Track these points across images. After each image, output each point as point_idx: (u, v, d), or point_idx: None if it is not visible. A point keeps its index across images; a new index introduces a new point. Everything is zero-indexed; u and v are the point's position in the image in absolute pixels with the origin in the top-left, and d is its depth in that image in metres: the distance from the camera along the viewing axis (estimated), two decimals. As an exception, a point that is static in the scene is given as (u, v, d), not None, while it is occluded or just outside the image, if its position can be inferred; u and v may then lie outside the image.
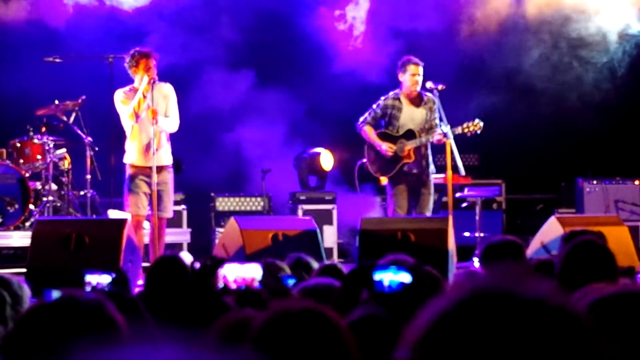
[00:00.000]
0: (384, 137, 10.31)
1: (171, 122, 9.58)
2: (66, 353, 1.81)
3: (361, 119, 10.38)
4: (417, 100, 10.26)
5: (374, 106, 10.35)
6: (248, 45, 12.71)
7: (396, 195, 10.20)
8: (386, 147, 10.22)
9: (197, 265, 3.93)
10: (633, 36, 12.43)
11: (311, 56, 12.81)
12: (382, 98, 10.34)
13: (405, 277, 3.26)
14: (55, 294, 2.51)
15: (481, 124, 10.11)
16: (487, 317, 1.35)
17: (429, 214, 10.15)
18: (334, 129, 12.59)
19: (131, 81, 9.55)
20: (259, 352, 2.24)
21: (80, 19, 12.43)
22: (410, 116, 10.24)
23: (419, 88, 10.20)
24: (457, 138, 10.04)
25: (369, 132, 10.33)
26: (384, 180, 10.64)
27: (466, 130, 10.13)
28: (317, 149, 12.48)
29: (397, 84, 10.36)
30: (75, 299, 2.37)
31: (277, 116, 12.60)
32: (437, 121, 10.19)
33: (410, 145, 10.18)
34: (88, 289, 4.13)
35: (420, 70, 10.18)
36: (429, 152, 10.31)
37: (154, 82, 9.42)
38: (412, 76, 10.16)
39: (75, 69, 11.74)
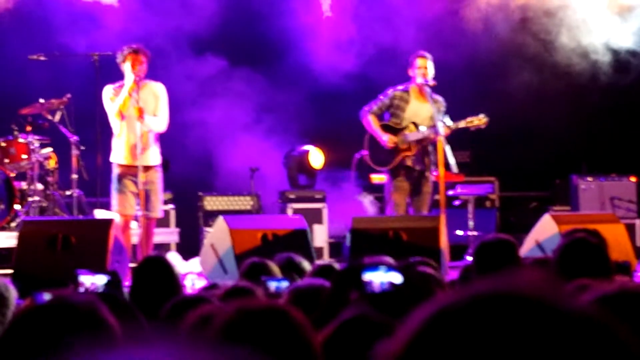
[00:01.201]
0: (386, 129, 10.22)
1: (159, 121, 9.44)
2: (58, 355, 1.81)
3: (366, 107, 10.28)
4: (426, 97, 10.13)
5: (381, 96, 10.26)
6: (218, 37, 12.47)
7: (395, 193, 10.08)
8: (387, 139, 10.11)
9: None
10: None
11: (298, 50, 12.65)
12: (391, 89, 10.25)
13: (395, 277, 3.19)
14: (47, 296, 2.49)
15: (486, 119, 10.01)
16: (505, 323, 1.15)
17: (426, 213, 10.02)
18: (320, 124, 12.44)
19: (119, 77, 9.42)
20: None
21: (39, 8, 12.18)
22: (416, 111, 10.15)
23: (423, 80, 10.04)
24: (447, 134, 9.92)
25: (373, 122, 10.25)
26: (374, 179, 10.52)
27: (470, 125, 10.02)
28: (306, 147, 12.34)
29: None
30: (67, 301, 2.34)
31: (259, 110, 12.44)
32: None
33: (412, 137, 10.08)
34: (82, 290, 4.13)
35: (427, 63, 10.10)
36: (431, 150, 10.16)
37: (139, 80, 9.27)
38: (418, 69, 10.09)
39: (60, 67, 11.60)
